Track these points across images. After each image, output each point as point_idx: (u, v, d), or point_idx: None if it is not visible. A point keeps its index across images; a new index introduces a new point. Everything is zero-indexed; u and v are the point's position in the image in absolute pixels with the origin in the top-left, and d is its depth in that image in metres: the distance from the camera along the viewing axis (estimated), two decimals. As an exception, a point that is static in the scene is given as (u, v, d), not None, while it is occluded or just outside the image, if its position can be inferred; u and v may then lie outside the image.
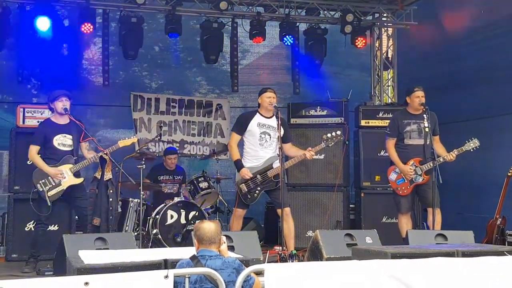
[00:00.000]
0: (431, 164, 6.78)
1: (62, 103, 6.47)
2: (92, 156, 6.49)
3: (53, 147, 6.42)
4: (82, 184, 6.62)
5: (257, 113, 6.87)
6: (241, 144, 6.95)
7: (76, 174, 6.48)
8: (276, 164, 6.68)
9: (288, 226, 6.69)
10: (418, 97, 6.98)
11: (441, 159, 6.80)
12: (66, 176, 6.40)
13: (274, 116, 6.80)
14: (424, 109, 6.93)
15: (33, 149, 6.41)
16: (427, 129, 6.89)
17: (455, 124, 8.99)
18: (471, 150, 6.85)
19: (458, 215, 8.70)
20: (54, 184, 6.39)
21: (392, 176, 7.08)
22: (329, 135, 6.80)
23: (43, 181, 6.34)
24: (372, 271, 3.68)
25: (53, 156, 6.43)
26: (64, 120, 6.53)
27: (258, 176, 6.75)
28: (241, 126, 6.86)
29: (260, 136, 6.77)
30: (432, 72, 9.83)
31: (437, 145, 7.03)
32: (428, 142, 6.92)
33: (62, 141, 6.45)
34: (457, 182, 8.64)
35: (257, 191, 6.77)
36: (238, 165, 6.76)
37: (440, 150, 6.94)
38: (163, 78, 10.61)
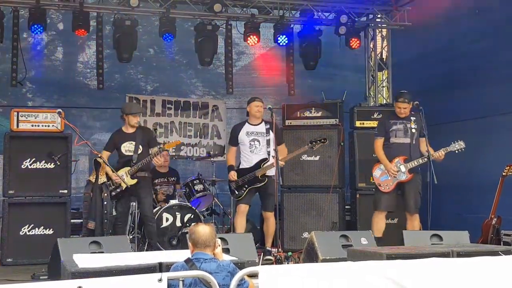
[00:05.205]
0: (416, 163, 6.89)
1: (137, 119, 7.19)
2: (146, 158, 7.04)
3: (122, 153, 7.16)
4: (148, 186, 7.28)
5: (246, 123, 7.41)
6: (238, 150, 7.49)
7: (133, 177, 7.10)
8: (265, 164, 7.17)
9: (267, 225, 7.30)
10: (399, 108, 7.09)
11: (426, 158, 6.87)
12: (124, 178, 7.03)
13: (263, 122, 7.33)
14: (412, 112, 7.09)
15: (104, 154, 7.16)
16: (413, 130, 7.02)
17: (451, 125, 8.99)
18: (456, 151, 6.89)
19: (456, 216, 8.71)
20: (115, 185, 7.03)
21: (377, 173, 7.16)
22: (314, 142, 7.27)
23: (108, 182, 7.09)
24: (367, 272, 3.68)
25: (121, 160, 7.16)
26: (132, 130, 7.21)
27: (247, 175, 7.21)
28: (233, 138, 7.45)
29: (250, 144, 7.28)
30: (427, 73, 9.84)
31: (424, 147, 7.10)
32: (414, 142, 7.02)
33: (129, 148, 7.13)
34: (455, 182, 8.65)
35: (244, 188, 7.20)
36: (228, 168, 7.36)
37: (426, 152, 7.00)
38: (159, 81, 10.60)
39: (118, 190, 7.04)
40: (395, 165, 6.97)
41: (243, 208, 7.24)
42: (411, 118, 7.08)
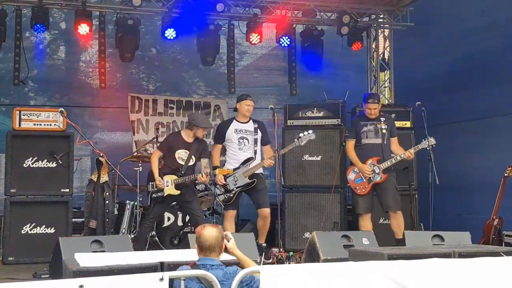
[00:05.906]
0: (389, 163, 6.94)
1: (205, 133, 7.13)
2: (194, 175, 6.92)
3: (174, 159, 6.99)
4: (192, 189, 7.14)
5: (234, 120, 7.25)
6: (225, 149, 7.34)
7: (177, 187, 6.95)
8: (252, 164, 7.02)
9: (264, 222, 7.06)
10: (370, 109, 7.13)
11: (399, 157, 6.95)
12: (169, 185, 6.93)
13: (251, 121, 7.21)
14: (380, 113, 7.18)
15: (155, 153, 7.16)
16: (384, 130, 7.07)
17: (452, 125, 9.00)
18: (427, 148, 6.90)
19: (457, 216, 8.71)
20: (157, 188, 6.96)
21: (351, 176, 7.20)
22: (301, 134, 7.07)
23: (152, 183, 7.01)
24: (368, 272, 3.68)
25: (170, 165, 7.01)
26: (191, 139, 7.06)
27: (233, 176, 7.04)
28: (219, 136, 7.27)
29: (238, 141, 7.13)
30: (428, 73, 9.84)
31: (395, 146, 7.16)
32: (385, 142, 7.08)
33: (182, 156, 6.99)
34: (456, 183, 8.65)
35: (233, 192, 7.04)
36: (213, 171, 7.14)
37: (398, 151, 7.09)
38: (161, 80, 10.60)
39: (159, 194, 6.95)
40: (369, 166, 7.00)
41: (232, 213, 7.12)
42: (381, 118, 7.15)
